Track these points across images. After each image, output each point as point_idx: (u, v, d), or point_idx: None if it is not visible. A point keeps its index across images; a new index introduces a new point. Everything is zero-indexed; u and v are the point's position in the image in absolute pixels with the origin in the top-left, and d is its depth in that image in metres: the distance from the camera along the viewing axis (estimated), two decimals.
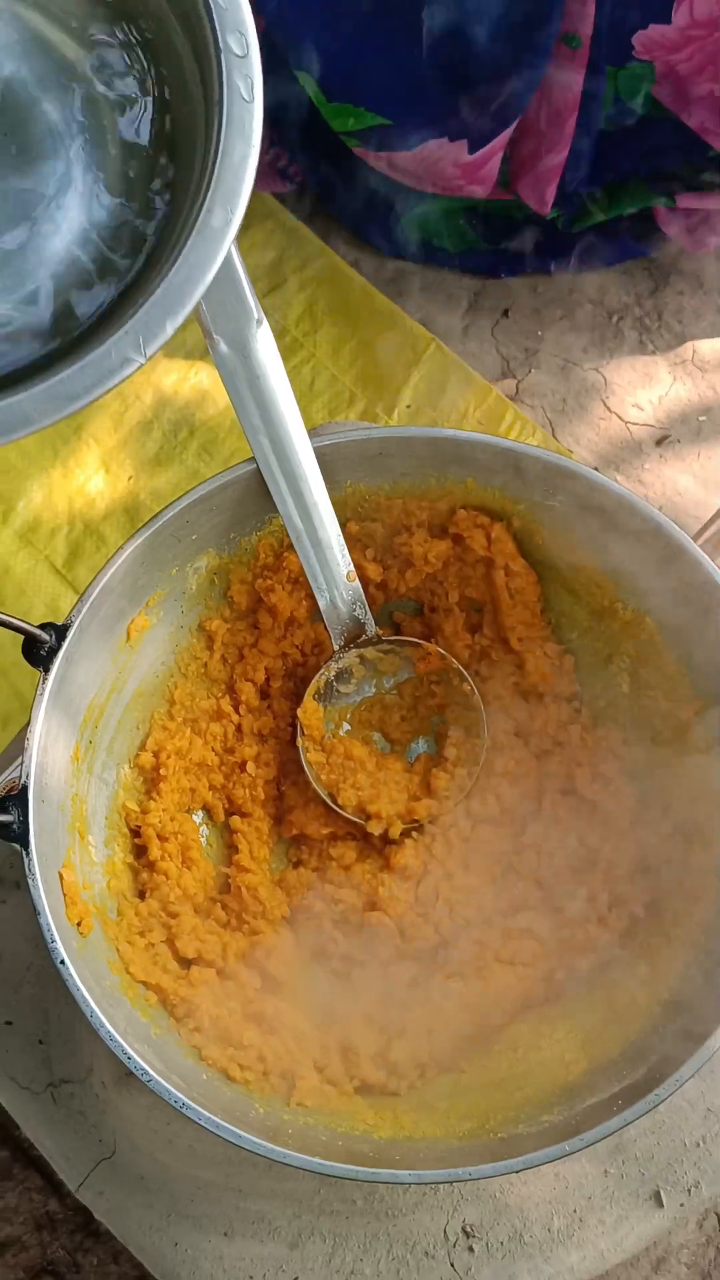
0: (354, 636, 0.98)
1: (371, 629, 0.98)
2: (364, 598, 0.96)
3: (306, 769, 0.99)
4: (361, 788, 1.00)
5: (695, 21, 1.15)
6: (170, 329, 0.64)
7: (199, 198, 0.65)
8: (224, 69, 0.64)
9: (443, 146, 1.25)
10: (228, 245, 0.65)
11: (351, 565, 0.94)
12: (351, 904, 0.98)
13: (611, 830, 0.98)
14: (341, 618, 0.97)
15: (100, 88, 0.69)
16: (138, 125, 0.69)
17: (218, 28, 0.64)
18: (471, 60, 1.17)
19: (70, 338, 0.67)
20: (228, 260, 0.75)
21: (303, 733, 1.00)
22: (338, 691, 1.01)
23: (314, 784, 0.99)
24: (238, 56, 0.64)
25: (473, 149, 1.25)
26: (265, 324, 0.84)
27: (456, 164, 1.27)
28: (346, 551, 0.93)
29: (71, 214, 0.68)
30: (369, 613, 0.97)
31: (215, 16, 0.64)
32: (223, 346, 0.84)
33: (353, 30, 1.18)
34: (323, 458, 0.90)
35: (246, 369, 0.85)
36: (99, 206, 0.69)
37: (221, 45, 0.64)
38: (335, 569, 0.94)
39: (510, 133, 1.25)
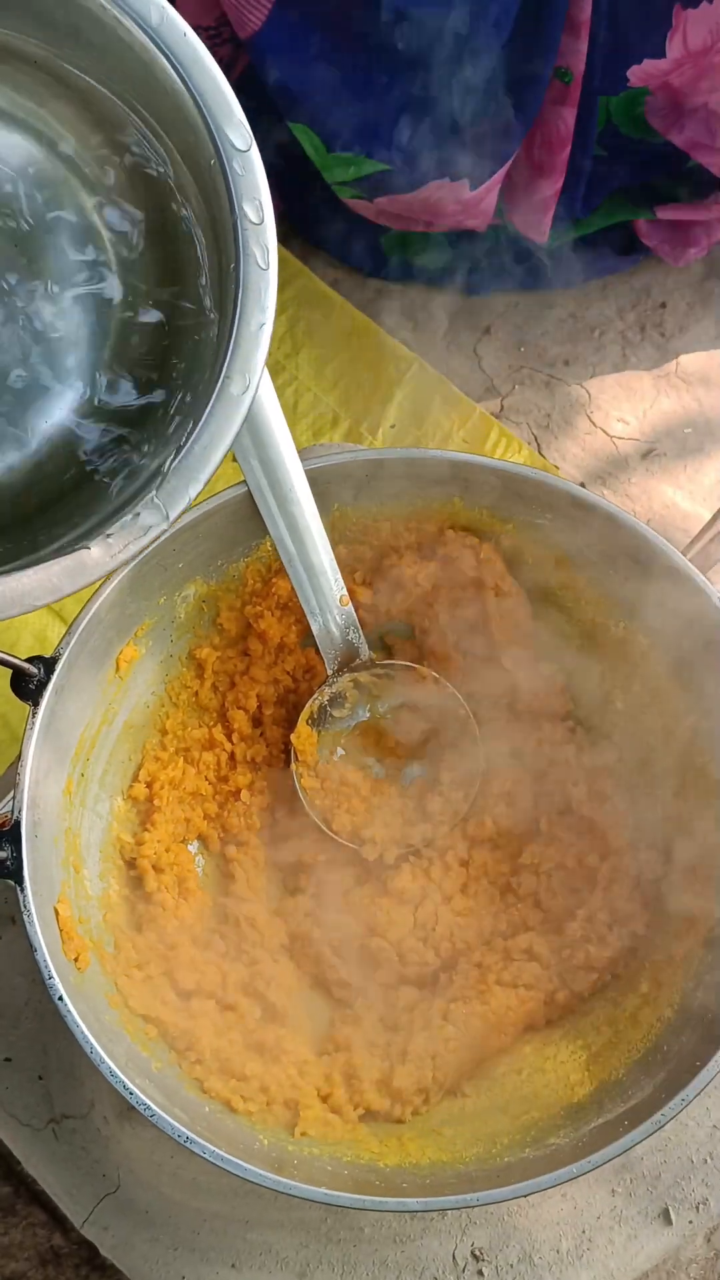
0: (347, 661, 0.97)
1: (365, 653, 0.98)
2: (357, 621, 0.96)
3: (300, 795, 0.99)
4: (356, 813, 0.99)
5: (689, 53, 1.16)
6: (193, 492, 0.66)
7: (217, 363, 0.66)
8: (240, 237, 0.65)
9: (443, 187, 1.26)
10: (245, 411, 0.66)
11: (344, 589, 0.93)
12: (350, 930, 0.97)
13: (610, 848, 0.98)
14: (335, 642, 0.96)
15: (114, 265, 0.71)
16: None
17: (235, 196, 0.65)
18: (471, 99, 1.17)
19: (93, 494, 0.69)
20: None
21: (296, 758, 0.99)
22: (331, 716, 1.01)
23: (308, 810, 0.99)
24: (254, 224, 0.65)
25: (473, 186, 1.26)
26: None
27: (458, 201, 1.28)
28: (339, 575, 0.93)
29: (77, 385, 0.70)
30: (362, 636, 0.97)
31: (233, 185, 0.65)
32: None
33: (355, 81, 1.18)
34: (311, 481, 0.90)
35: None
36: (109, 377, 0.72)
37: (238, 213, 0.65)
38: (328, 593, 0.93)
39: (508, 167, 1.26)
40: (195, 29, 1.26)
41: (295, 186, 1.36)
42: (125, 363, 0.74)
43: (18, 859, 0.82)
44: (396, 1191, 0.81)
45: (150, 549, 0.87)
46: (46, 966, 0.80)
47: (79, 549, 0.66)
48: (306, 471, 0.89)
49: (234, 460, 0.88)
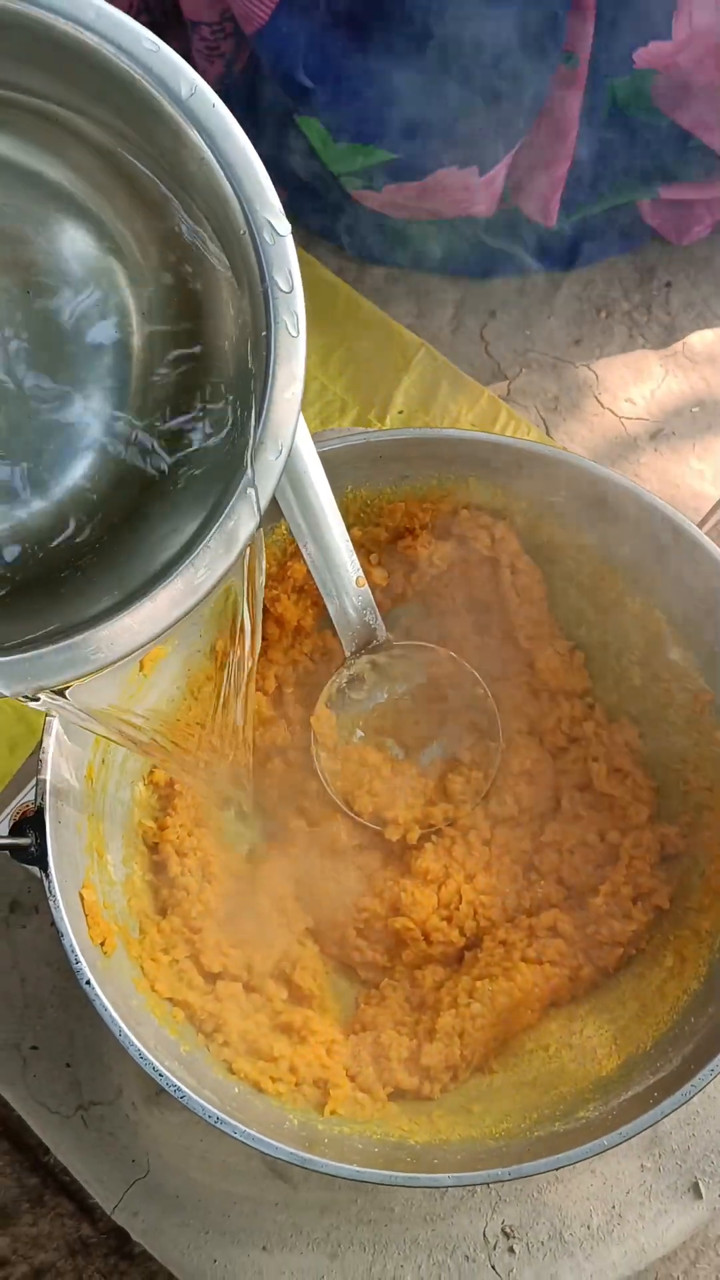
0: (365, 642, 0.97)
1: (382, 634, 0.97)
2: (374, 603, 0.96)
3: (321, 776, 0.99)
4: (377, 794, 0.99)
5: (695, 33, 1.16)
6: (227, 563, 0.66)
7: (247, 434, 0.67)
8: (271, 306, 0.66)
9: (451, 174, 1.26)
10: (279, 476, 0.67)
11: (360, 570, 0.93)
12: (374, 911, 0.97)
13: (631, 824, 0.98)
14: (352, 624, 0.96)
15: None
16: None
17: (266, 266, 0.65)
18: (480, 85, 1.17)
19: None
20: None
21: (316, 740, 0.99)
22: (350, 698, 1.01)
23: (329, 791, 0.99)
24: (284, 292, 0.66)
25: (482, 171, 1.26)
26: None
27: (467, 187, 1.28)
28: (355, 556, 0.92)
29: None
30: (379, 618, 0.97)
31: (264, 255, 0.65)
32: None
33: (361, 70, 1.19)
34: (324, 463, 0.90)
35: None
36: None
37: (269, 282, 0.66)
38: (344, 574, 0.93)
39: (515, 152, 1.27)
40: (199, 25, 1.28)
41: (298, 176, 1.36)
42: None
43: (42, 846, 0.82)
44: (427, 1168, 0.81)
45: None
46: (74, 951, 0.81)
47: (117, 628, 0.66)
48: (325, 452, 0.89)
49: None
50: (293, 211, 1.40)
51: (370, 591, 0.95)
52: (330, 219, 1.42)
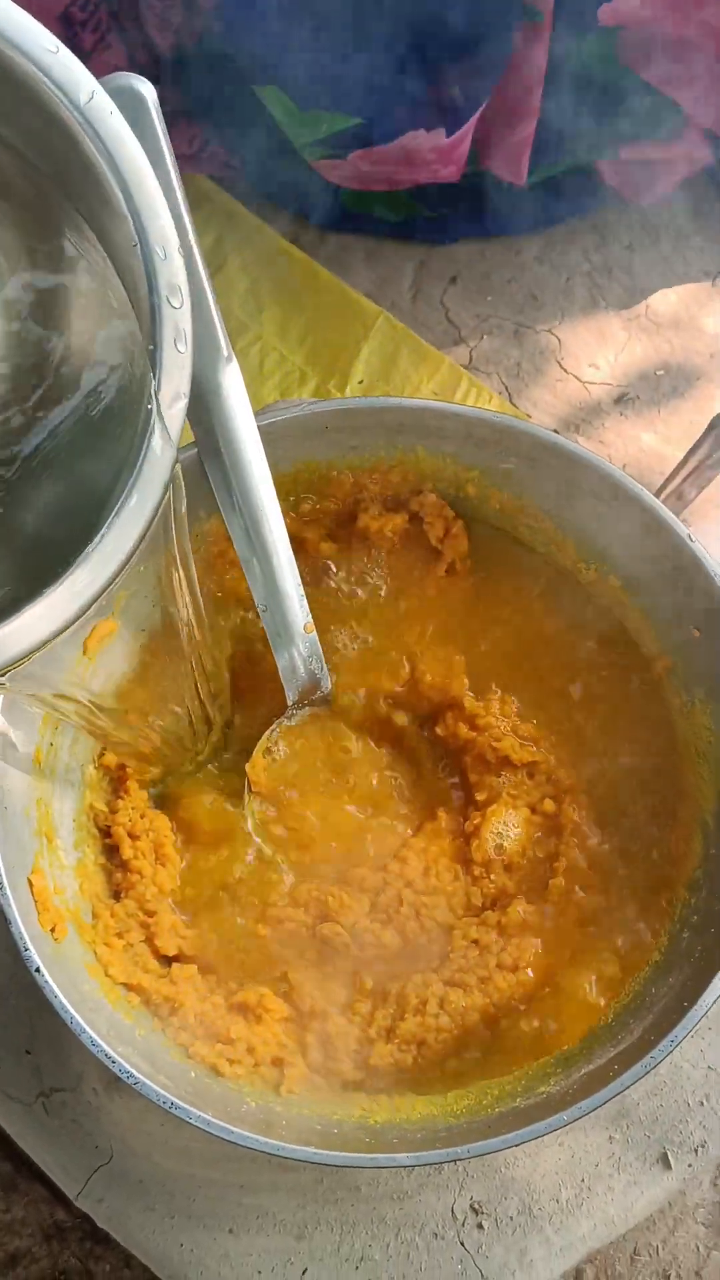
0: (309, 693, 0.95)
1: (327, 685, 0.96)
2: (320, 651, 0.94)
3: (250, 821, 0.97)
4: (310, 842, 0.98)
5: None
6: (107, 575, 0.64)
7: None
8: (159, 320, 0.64)
9: (419, 136, 1.26)
10: (167, 477, 0.65)
11: (310, 617, 0.91)
12: (300, 921, 0.95)
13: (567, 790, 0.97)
14: (298, 674, 0.94)
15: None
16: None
17: (154, 280, 0.64)
18: (443, 43, 1.17)
19: None
20: (199, 291, 0.76)
21: (249, 789, 0.97)
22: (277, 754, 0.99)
23: (263, 847, 0.97)
24: (174, 308, 0.64)
25: (450, 132, 1.26)
26: (235, 362, 0.82)
27: (435, 149, 1.28)
28: (305, 602, 0.90)
29: None
30: (325, 667, 0.95)
31: (152, 270, 0.64)
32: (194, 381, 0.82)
33: (324, 36, 1.18)
34: (268, 435, 0.88)
35: (215, 408, 0.82)
36: None
37: (158, 296, 0.64)
38: (293, 620, 0.91)
39: (482, 111, 1.26)
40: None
41: (255, 147, 1.35)
42: None
43: None
44: (387, 1148, 0.81)
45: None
46: (22, 938, 0.80)
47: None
48: (262, 428, 0.88)
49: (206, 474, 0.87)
50: (249, 181, 1.39)
51: (318, 639, 0.93)
52: (285, 188, 1.40)
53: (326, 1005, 0.92)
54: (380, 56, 1.19)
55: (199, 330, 0.78)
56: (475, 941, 0.93)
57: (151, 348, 0.64)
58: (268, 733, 0.97)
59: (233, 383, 0.82)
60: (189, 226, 0.73)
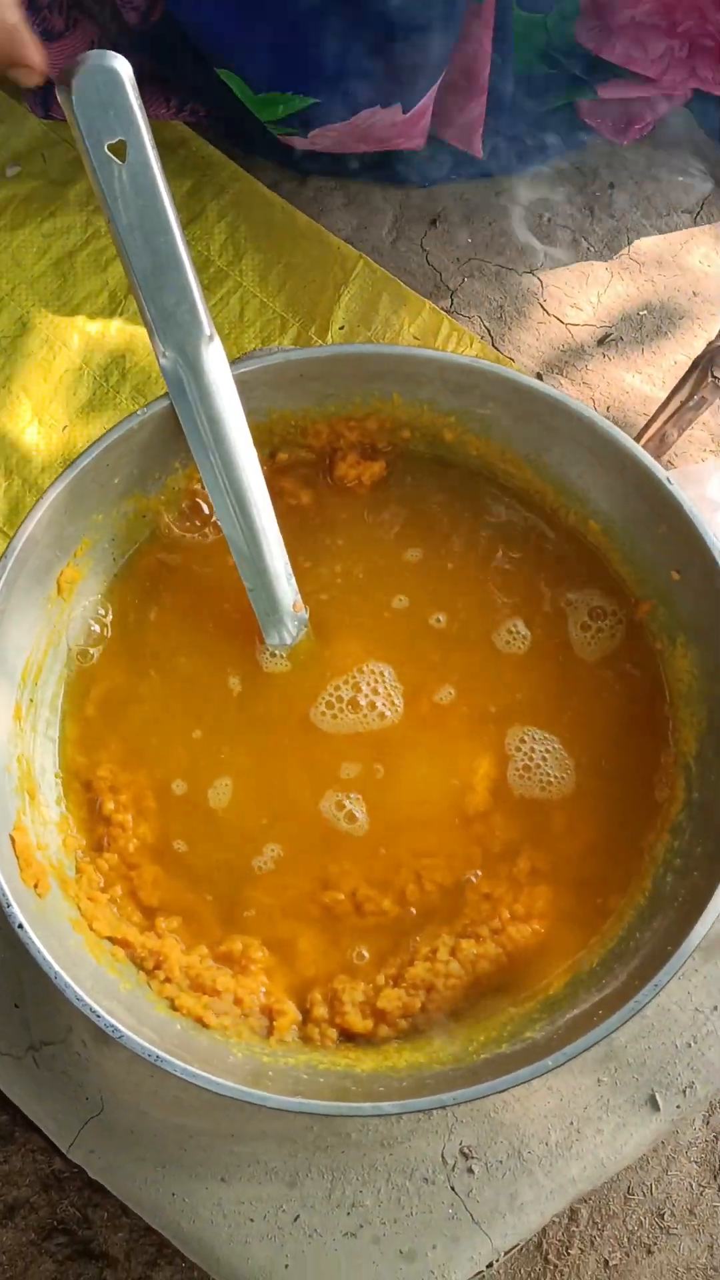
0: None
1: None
2: (309, 627, 0.94)
3: None
4: None
5: None
6: None
7: None
8: None
9: (376, 113, 1.27)
10: None
11: (299, 595, 0.92)
12: (299, 889, 0.94)
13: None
14: (286, 648, 0.94)
15: None
16: None
17: None
18: (394, 25, 1.18)
19: None
20: (178, 267, 0.77)
21: None
22: None
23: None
24: None
25: (406, 109, 1.27)
26: (217, 339, 0.82)
27: (393, 124, 1.29)
28: (294, 579, 0.91)
29: None
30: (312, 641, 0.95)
31: None
32: (170, 360, 0.82)
33: (273, 20, 1.19)
34: (242, 385, 0.88)
35: (196, 385, 0.83)
36: None
37: None
38: (283, 598, 0.91)
39: (436, 88, 1.27)
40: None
41: (228, 108, 1.34)
42: None
43: None
44: (373, 1096, 0.81)
45: (81, 469, 0.87)
46: (4, 895, 0.80)
47: None
48: (236, 377, 0.87)
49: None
50: (228, 137, 1.38)
51: (308, 616, 0.93)
52: (262, 137, 1.39)
53: (330, 968, 0.92)
54: (331, 37, 1.19)
55: (179, 307, 0.78)
56: (487, 896, 0.93)
57: None
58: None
59: (215, 360, 0.82)
60: (169, 208, 0.74)
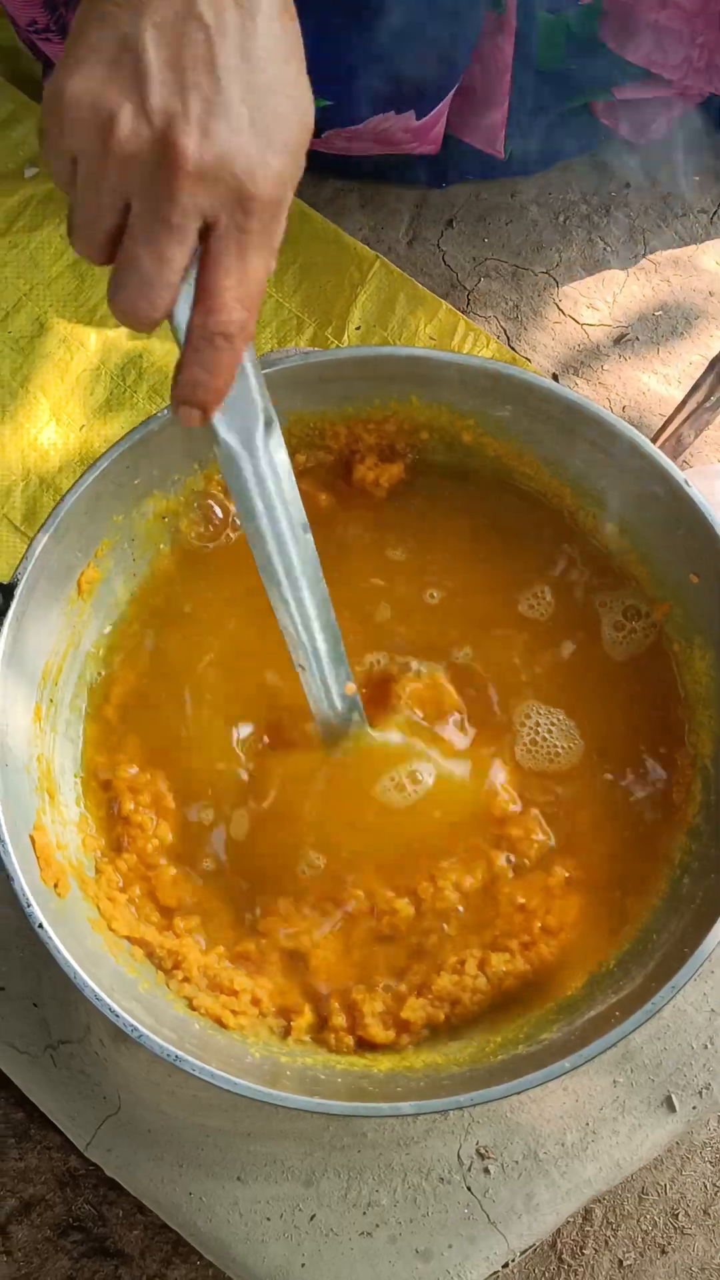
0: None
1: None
2: (360, 706, 0.91)
3: None
4: None
5: None
6: None
7: None
8: None
9: (389, 119, 1.26)
10: None
11: (351, 677, 0.89)
12: (317, 892, 0.93)
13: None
14: (334, 733, 0.92)
15: None
16: None
17: None
18: (407, 34, 1.17)
19: None
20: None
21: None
22: None
23: None
24: None
25: (420, 115, 1.26)
26: (276, 424, 0.77)
27: (407, 129, 1.29)
28: (346, 662, 0.88)
29: None
30: (364, 719, 0.93)
31: None
32: (231, 443, 0.76)
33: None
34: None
35: (254, 470, 0.77)
36: None
37: None
38: (331, 682, 0.88)
39: (452, 96, 1.27)
40: None
41: None
42: None
43: None
44: (391, 1097, 0.81)
45: (102, 471, 0.87)
46: (24, 894, 0.80)
47: None
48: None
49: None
50: None
51: (360, 699, 0.91)
52: None
53: (348, 971, 0.92)
54: (344, 41, 1.18)
55: (237, 392, 0.73)
56: (521, 907, 0.92)
57: None
58: None
59: (275, 445, 0.77)
60: None
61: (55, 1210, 1.12)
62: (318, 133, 1.28)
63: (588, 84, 1.36)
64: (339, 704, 0.90)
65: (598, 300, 1.40)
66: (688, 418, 1.13)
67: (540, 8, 1.22)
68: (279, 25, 0.65)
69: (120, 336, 1.33)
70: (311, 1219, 0.94)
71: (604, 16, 1.24)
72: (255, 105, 0.63)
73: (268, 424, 0.76)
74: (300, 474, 0.95)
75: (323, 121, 1.27)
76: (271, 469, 0.77)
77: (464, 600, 0.99)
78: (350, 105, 1.25)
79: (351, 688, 0.90)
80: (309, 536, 0.82)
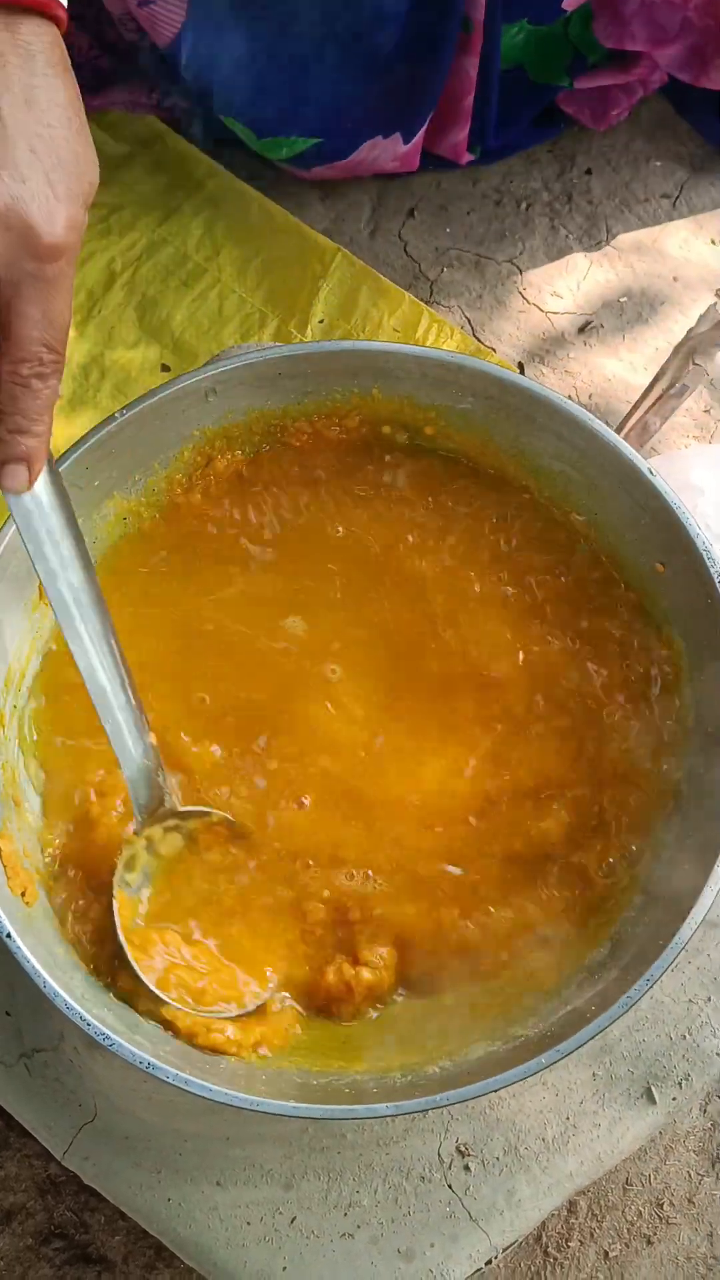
0: (155, 807, 0.88)
1: (169, 801, 0.89)
2: (159, 760, 0.87)
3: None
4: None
5: None
6: None
7: None
8: None
9: (377, 145, 1.29)
10: None
11: (147, 729, 0.85)
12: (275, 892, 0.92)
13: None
14: (137, 789, 0.87)
15: None
16: None
17: None
18: (392, 61, 1.20)
19: None
20: None
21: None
22: (125, 882, 0.90)
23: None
24: None
25: (406, 139, 1.29)
26: (48, 473, 0.75)
27: (395, 157, 1.32)
28: (141, 713, 0.84)
29: None
30: (167, 777, 0.89)
31: None
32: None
33: (274, 69, 1.20)
34: (222, 384, 0.87)
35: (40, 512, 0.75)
36: None
37: None
38: (130, 725, 0.84)
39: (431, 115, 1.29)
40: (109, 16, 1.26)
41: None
42: None
43: None
44: (367, 1098, 0.81)
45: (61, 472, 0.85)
46: None
47: None
48: (216, 375, 0.86)
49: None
50: (207, 133, 1.38)
51: (157, 750, 0.87)
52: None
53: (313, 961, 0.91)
54: (329, 75, 1.20)
55: None
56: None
57: None
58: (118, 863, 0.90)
59: (46, 494, 0.75)
60: None
61: (36, 1218, 1.11)
62: (307, 166, 1.29)
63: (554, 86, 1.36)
64: (141, 757, 0.86)
65: (562, 288, 1.39)
66: (654, 404, 1.12)
67: (529, 22, 1.23)
68: (59, 80, 0.66)
69: (82, 334, 1.32)
70: (292, 1222, 0.93)
71: (596, 19, 1.26)
72: (42, 154, 0.64)
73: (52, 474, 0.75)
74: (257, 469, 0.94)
75: (314, 158, 1.28)
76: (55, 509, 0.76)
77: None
78: (339, 137, 1.27)
79: (151, 737, 0.86)
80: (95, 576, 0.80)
